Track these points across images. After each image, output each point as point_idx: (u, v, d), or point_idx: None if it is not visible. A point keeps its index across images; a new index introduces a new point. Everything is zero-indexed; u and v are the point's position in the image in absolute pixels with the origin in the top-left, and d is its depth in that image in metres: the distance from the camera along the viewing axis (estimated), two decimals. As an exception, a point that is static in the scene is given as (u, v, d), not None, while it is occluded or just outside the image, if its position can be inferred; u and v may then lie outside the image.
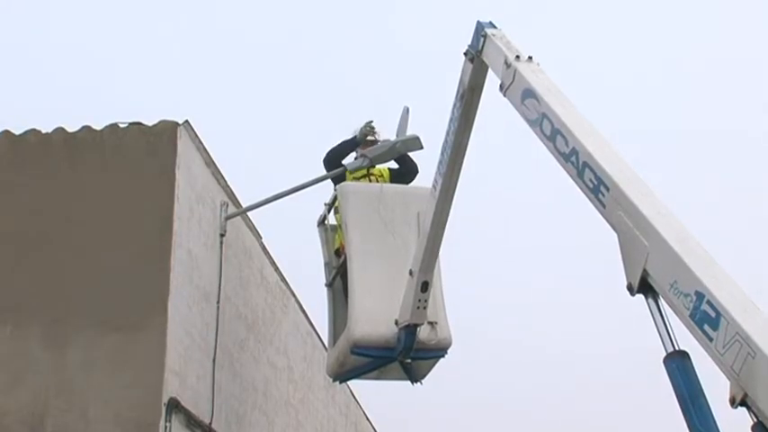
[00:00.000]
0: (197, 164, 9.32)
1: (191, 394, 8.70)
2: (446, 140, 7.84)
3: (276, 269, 12.08)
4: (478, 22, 7.26)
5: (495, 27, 7.17)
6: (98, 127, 8.90)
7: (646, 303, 5.30)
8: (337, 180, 10.09)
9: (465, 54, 7.38)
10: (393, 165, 10.44)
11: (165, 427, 8.08)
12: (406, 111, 10.09)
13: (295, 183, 10.18)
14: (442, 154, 7.93)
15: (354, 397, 17.20)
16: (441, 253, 8.71)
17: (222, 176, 10.00)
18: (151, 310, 8.30)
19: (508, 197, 35.63)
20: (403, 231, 9.57)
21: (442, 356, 9.50)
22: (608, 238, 5.59)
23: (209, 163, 9.64)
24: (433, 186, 8.18)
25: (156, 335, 8.24)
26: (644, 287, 5.29)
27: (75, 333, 8.31)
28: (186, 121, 9.01)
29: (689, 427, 4.86)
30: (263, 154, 36.04)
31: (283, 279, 12.45)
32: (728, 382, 4.66)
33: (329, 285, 10.21)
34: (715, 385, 4.79)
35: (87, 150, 8.86)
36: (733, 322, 4.61)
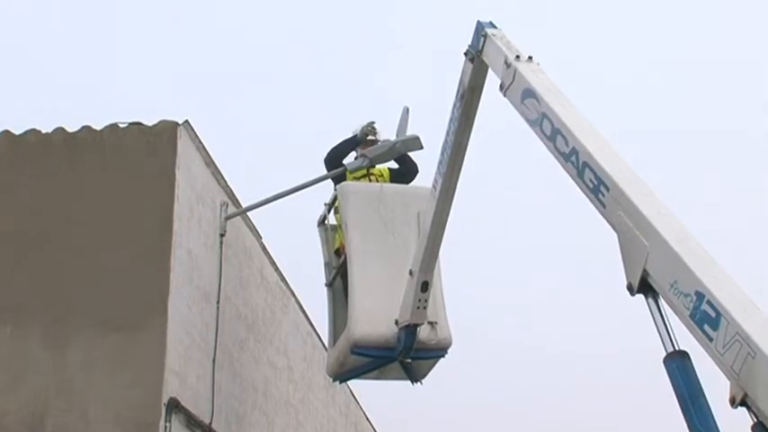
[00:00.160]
0: (197, 164, 9.32)
1: (191, 394, 8.70)
2: (446, 140, 7.84)
3: (276, 269, 12.08)
4: (478, 22, 7.27)
5: (495, 27, 7.17)
6: (98, 127, 8.90)
7: (646, 303, 5.30)
8: (337, 180, 10.09)
9: (465, 54, 7.38)
10: (393, 165, 10.44)
11: (165, 427, 8.08)
12: (406, 111, 10.10)
13: (295, 183, 10.19)
14: (442, 154, 7.93)
15: (354, 397, 17.20)
16: (441, 253, 8.71)
17: (222, 176, 10.00)
18: (151, 310, 8.30)
19: (508, 197, 35.65)
20: (403, 231, 9.57)
21: (442, 356, 9.50)
22: (608, 238, 5.59)
23: (209, 163, 9.64)
24: (433, 186, 8.18)
25: (156, 335, 8.24)
26: (644, 287, 5.29)
27: (75, 333, 8.31)
28: (186, 121, 9.01)
29: (689, 427, 4.86)
30: (263, 154, 36.06)
31: (283, 279, 12.45)
32: (728, 382, 4.66)
33: (329, 285, 10.21)
34: (715, 385, 4.79)
35: (87, 150, 8.86)
36: (733, 322, 4.61)
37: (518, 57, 6.70)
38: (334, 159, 10.22)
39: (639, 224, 5.33)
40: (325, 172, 10.23)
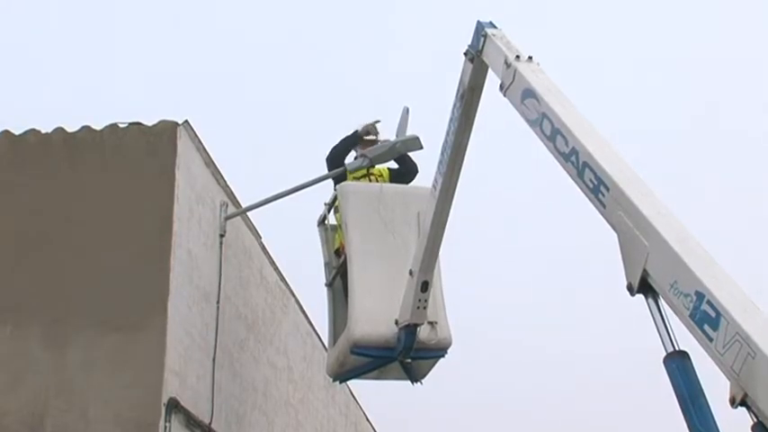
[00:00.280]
0: (197, 164, 9.31)
1: (190, 394, 8.70)
2: (446, 140, 7.84)
3: (276, 269, 12.07)
4: (478, 22, 7.26)
5: (495, 27, 7.17)
6: (98, 127, 8.90)
7: (646, 303, 5.29)
8: (337, 180, 10.09)
9: (465, 54, 7.38)
10: (393, 165, 10.43)
11: (165, 427, 8.08)
12: (406, 111, 10.10)
13: (295, 183, 10.19)
14: (442, 154, 7.93)
15: (354, 397, 17.20)
16: (441, 253, 8.70)
17: (222, 176, 10.00)
18: (151, 310, 8.30)
19: (508, 197, 35.67)
20: (403, 231, 9.57)
21: (442, 356, 9.50)
22: (608, 239, 5.59)
23: (209, 163, 9.64)
24: (433, 186, 8.18)
25: (156, 335, 8.23)
26: (644, 287, 5.28)
27: (75, 333, 8.31)
28: (186, 121, 9.01)
29: (689, 427, 4.86)
30: (263, 154, 36.06)
31: (283, 279, 12.45)
32: (728, 382, 4.66)
33: (329, 285, 10.21)
34: (715, 385, 4.79)
35: (87, 150, 8.86)
36: (733, 322, 4.61)
37: (518, 57, 6.70)
38: (336, 158, 10.21)
39: (639, 224, 5.32)
40: (324, 171, 10.22)
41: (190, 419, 8.63)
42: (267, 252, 11.66)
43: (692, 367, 5.00)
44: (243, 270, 10.67)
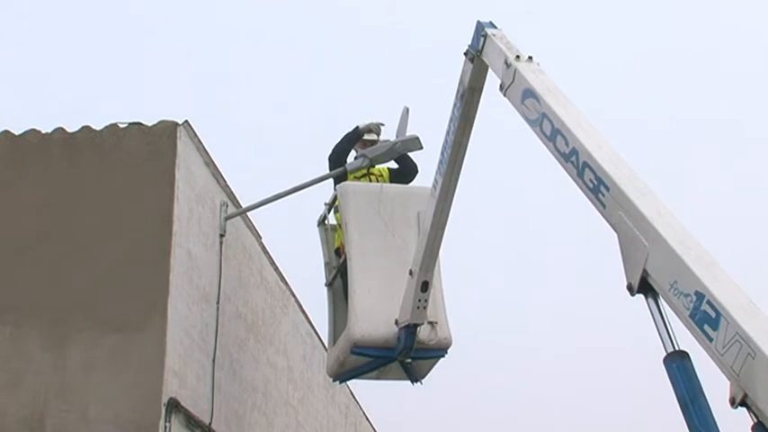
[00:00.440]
0: (197, 164, 9.31)
1: (190, 394, 8.69)
2: (446, 140, 7.83)
3: (276, 269, 12.07)
4: (479, 21, 7.26)
5: (495, 27, 7.17)
6: (98, 127, 8.90)
7: (646, 303, 5.29)
8: (338, 180, 10.09)
9: (465, 54, 7.37)
10: (393, 165, 10.43)
11: (165, 428, 8.08)
12: (406, 111, 10.10)
13: (295, 183, 10.19)
14: (442, 154, 7.93)
15: (354, 397, 17.19)
16: (440, 253, 8.70)
17: (222, 176, 9.99)
18: (151, 310, 8.30)
19: (508, 196, 35.69)
20: (403, 231, 9.57)
21: (443, 356, 9.50)
22: (608, 239, 5.59)
23: (209, 163, 9.63)
24: (433, 186, 8.18)
25: (156, 335, 8.23)
26: (644, 287, 5.28)
27: (76, 333, 8.31)
28: (186, 121, 9.00)
29: (689, 427, 4.85)
30: (263, 154, 36.07)
31: (283, 279, 12.45)
32: (728, 382, 4.66)
33: (329, 285, 10.20)
34: (715, 385, 4.78)
35: (87, 150, 8.86)
36: (733, 322, 4.61)
37: (518, 57, 6.70)
38: (338, 156, 10.20)
39: (639, 224, 5.32)
40: (324, 171, 10.22)
41: (190, 419, 8.63)
42: (267, 252, 11.66)
43: (692, 367, 4.99)
44: (243, 270, 10.67)
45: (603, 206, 5.66)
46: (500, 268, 36.21)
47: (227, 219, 9.98)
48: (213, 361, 9.29)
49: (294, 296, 13.07)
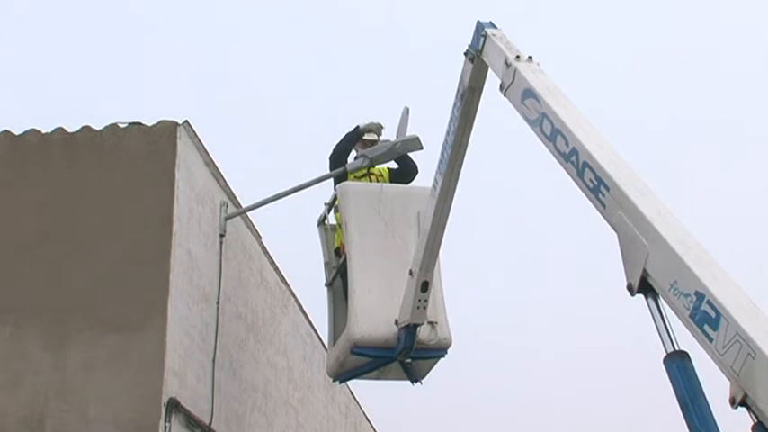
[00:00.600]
0: (197, 164, 9.31)
1: (190, 394, 8.69)
2: (446, 140, 7.83)
3: (276, 269, 12.07)
4: (479, 21, 7.26)
5: (495, 27, 7.16)
6: (98, 127, 8.90)
7: (646, 303, 5.29)
8: (338, 180, 10.08)
9: (465, 54, 7.37)
10: (393, 165, 10.43)
11: (165, 428, 8.07)
12: (406, 111, 10.10)
13: (295, 183, 10.18)
14: (442, 154, 7.93)
15: (354, 397, 17.19)
16: (441, 253, 8.70)
17: (222, 176, 9.99)
18: (151, 310, 8.30)
19: (508, 197, 35.69)
20: (403, 231, 9.57)
21: (443, 356, 9.50)
22: (608, 239, 5.59)
23: (209, 163, 9.63)
24: (433, 186, 8.18)
25: (156, 335, 8.23)
26: (644, 287, 5.28)
27: (76, 333, 8.31)
28: (186, 121, 9.00)
29: (689, 427, 4.85)
30: (263, 154, 36.08)
31: (283, 279, 12.45)
32: (728, 382, 4.66)
33: (329, 285, 10.20)
34: (715, 385, 4.78)
35: (87, 150, 8.86)
36: (733, 322, 4.60)
37: (518, 57, 6.69)
38: (338, 155, 10.20)
39: (639, 224, 5.32)
40: (324, 171, 10.22)
41: (190, 419, 8.63)
42: (267, 252, 11.65)
43: (692, 367, 4.99)
44: (243, 270, 10.67)
45: (603, 206, 5.66)
46: (500, 268, 36.23)
47: (227, 219, 9.98)
48: (213, 361, 9.29)
49: (294, 296, 13.07)
